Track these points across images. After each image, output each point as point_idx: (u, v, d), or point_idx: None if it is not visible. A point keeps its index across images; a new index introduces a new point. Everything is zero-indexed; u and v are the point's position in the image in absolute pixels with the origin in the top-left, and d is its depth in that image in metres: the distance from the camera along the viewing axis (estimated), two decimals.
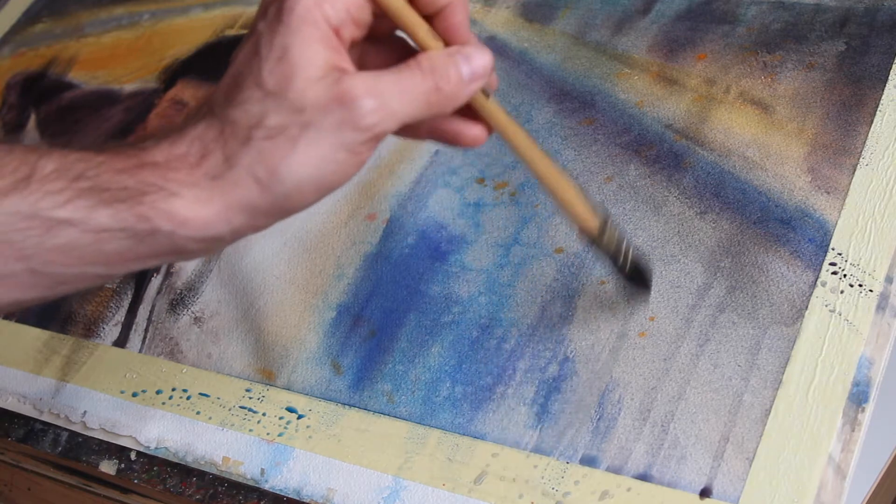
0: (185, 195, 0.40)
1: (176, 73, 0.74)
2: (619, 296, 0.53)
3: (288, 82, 0.40)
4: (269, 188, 0.41)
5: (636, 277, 0.51)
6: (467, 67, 0.43)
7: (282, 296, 0.59)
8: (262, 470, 0.53)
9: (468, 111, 0.45)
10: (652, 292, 0.52)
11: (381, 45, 0.46)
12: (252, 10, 0.76)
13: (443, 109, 0.43)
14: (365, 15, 0.43)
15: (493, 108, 0.45)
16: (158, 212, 0.40)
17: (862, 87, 0.56)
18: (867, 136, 0.54)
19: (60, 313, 0.64)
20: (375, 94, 0.41)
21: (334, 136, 0.41)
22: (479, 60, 0.44)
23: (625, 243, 0.49)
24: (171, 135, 0.42)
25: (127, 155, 0.41)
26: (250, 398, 0.56)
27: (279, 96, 0.40)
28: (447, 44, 0.44)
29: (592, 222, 0.48)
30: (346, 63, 0.42)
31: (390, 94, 0.41)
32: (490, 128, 0.46)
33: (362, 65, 0.44)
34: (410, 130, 0.45)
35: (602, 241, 0.49)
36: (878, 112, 0.55)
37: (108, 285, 0.64)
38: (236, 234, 0.42)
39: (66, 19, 0.84)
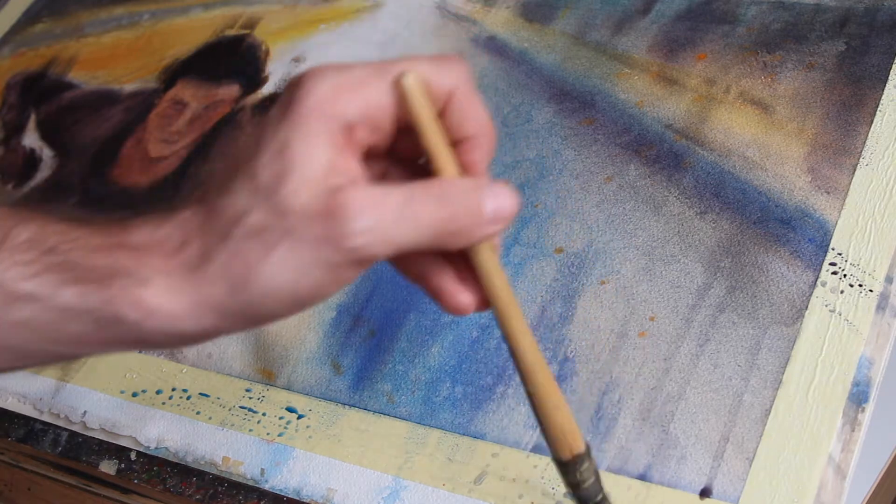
0: (156, 283, 0.37)
1: (176, 73, 0.74)
2: (619, 296, 0.53)
3: (280, 180, 0.36)
4: (239, 292, 0.37)
5: None
6: (492, 203, 0.38)
7: None
8: (262, 470, 0.53)
9: (465, 268, 0.39)
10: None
11: (407, 169, 0.40)
12: (252, 10, 0.76)
13: (450, 246, 0.38)
14: (385, 119, 0.38)
15: (493, 265, 0.39)
16: (125, 298, 0.37)
17: (862, 87, 0.56)
18: (867, 136, 0.54)
19: None
20: (372, 214, 0.36)
21: (314, 250, 0.36)
22: (508, 200, 0.38)
23: (601, 493, 0.43)
24: (159, 216, 0.39)
25: (108, 233, 0.39)
26: (250, 398, 0.56)
27: (268, 194, 0.36)
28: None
29: (577, 446, 0.41)
30: (353, 167, 0.37)
31: (391, 217, 0.36)
32: (483, 299, 0.39)
33: (378, 181, 0.39)
34: (402, 263, 0.40)
35: (576, 473, 0.42)
36: (878, 112, 0.55)
37: None
38: (206, 335, 0.38)
39: (66, 19, 0.84)
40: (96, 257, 0.38)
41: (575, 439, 0.41)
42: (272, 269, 0.36)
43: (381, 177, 0.40)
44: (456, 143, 0.39)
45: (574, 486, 0.42)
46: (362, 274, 0.38)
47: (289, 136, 0.36)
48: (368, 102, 0.37)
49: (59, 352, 0.39)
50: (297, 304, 0.37)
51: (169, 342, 0.39)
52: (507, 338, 0.40)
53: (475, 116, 0.38)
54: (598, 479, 0.42)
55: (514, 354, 0.40)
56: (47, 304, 0.38)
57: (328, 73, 0.37)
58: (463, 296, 0.39)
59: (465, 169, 0.38)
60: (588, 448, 0.41)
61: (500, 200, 0.38)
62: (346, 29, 0.72)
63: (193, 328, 0.38)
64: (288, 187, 0.36)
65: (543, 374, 0.40)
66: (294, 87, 0.37)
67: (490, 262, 0.38)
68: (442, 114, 0.38)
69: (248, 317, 0.38)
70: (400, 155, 0.40)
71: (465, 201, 0.37)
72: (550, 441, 0.41)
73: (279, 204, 0.36)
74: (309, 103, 0.36)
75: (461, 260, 0.39)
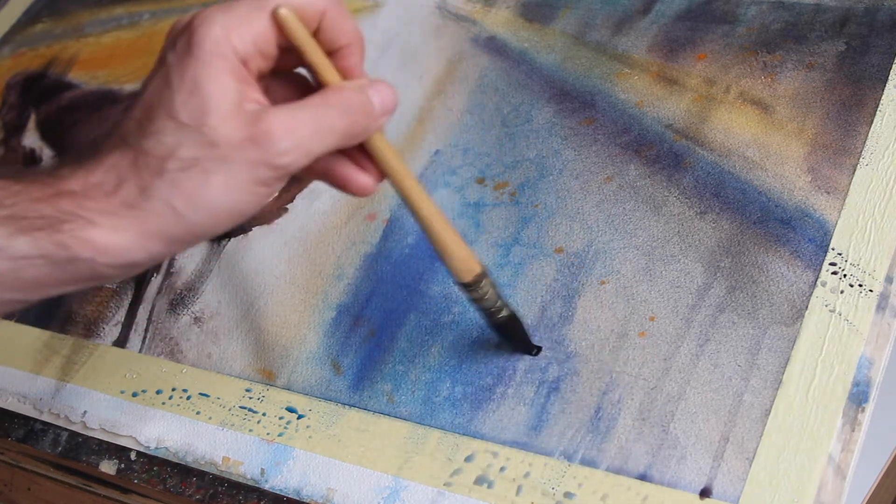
0: (102, 224, 0.41)
1: None
2: (619, 296, 0.53)
3: (201, 116, 0.41)
4: (185, 218, 0.42)
5: (508, 334, 0.52)
6: (378, 99, 0.44)
7: (282, 296, 0.59)
8: (262, 470, 0.53)
9: (358, 154, 0.46)
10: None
11: (283, 80, 0.46)
12: None
13: (354, 142, 0.45)
14: (271, 48, 0.44)
15: (384, 145, 0.46)
16: (77, 240, 0.41)
17: (862, 87, 0.56)
18: (867, 136, 0.54)
19: (60, 313, 0.64)
20: (292, 134, 0.42)
21: (248, 172, 0.42)
22: (390, 93, 0.45)
23: (499, 300, 0.50)
24: (85, 163, 0.43)
25: (43, 183, 0.42)
26: (250, 398, 0.56)
27: (193, 129, 0.41)
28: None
29: (472, 268, 0.48)
30: (257, 95, 0.43)
31: (307, 132, 0.42)
32: (379, 175, 0.46)
33: (268, 98, 0.45)
34: (306, 169, 0.45)
35: (478, 290, 0.49)
36: (878, 112, 0.55)
37: (108, 285, 0.64)
38: (153, 260, 0.43)
39: (66, 19, 0.84)
40: (41, 207, 0.42)
41: (473, 265, 0.48)
42: (214, 193, 0.42)
43: (266, 91, 0.44)
44: (332, 54, 0.45)
45: (478, 300, 0.49)
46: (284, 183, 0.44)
47: (198, 75, 0.41)
48: (255, 36, 0.43)
49: (16, 298, 0.43)
50: (236, 218, 0.43)
51: (122, 273, 0.43)
52: (403, 197, 0.47)
53: (346, 28, 0.45)
54: (496, 292, 0.50)
55: (411, 207, 0.47)
56: (3, 254, 0.41)
57: (216, 16, 0.42)
58: (363, 177, 0.46)
59: (345, 73, 0.45)
60: (484, 269, 0.49)
61: (384, 95, 0.45)
62: None
63: (143, 257, 0.42)
64: (211, 121, 0.41)
65: (439, 219, 0.47)
66: (187, 33, 0.42)
67: (381, 143, 0.45)
68: (317, 31, 0.44)
69: (193, 236, 0.43)
70: (277, 69, 0.45)
71: (360, 104, 0.44)
72: (454, 269, 0.48)
73: (207, 136, 0.41)
74: (207, 45, 0.41)
75: (353, 150, 0.46)
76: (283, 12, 0.43)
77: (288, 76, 0.47)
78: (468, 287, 0.49)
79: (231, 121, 0.41)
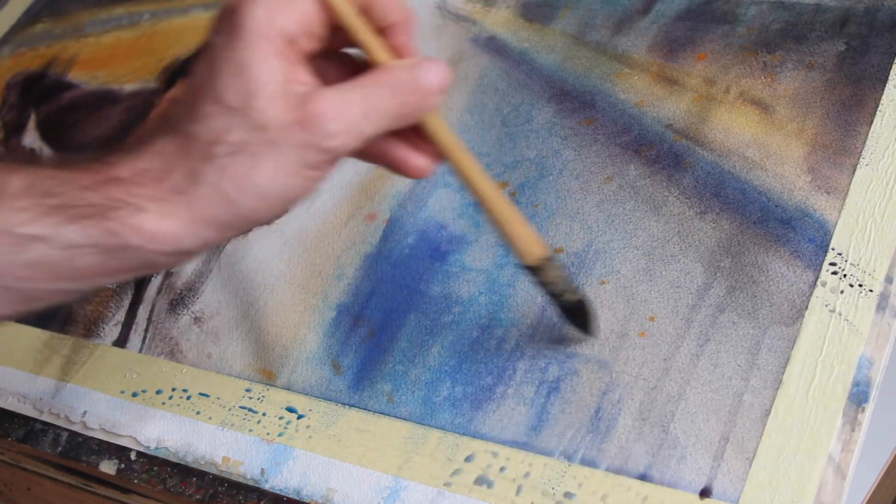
0: (151, 210, 0.41)
1: (176, 73, 0.74)
2: (619, 296, 0.53)
3: (248, 99, 0.40)
4: (235, 203, 0.41)
5: (576, 317, 0.51)
6: (431, 78, 0.43)
7: (282, 296, 0.59)
8: (262, 470, 0.53)
9: (415, 136, 0.45)
10: (593, 327, 0.52)
11: (337, 60, 0.45)
12: None
13: (407, 123, 0.43)
14: (319, 27, 0.43)
15: (441, 126, 0.44)
16: (127, 227, 0.40)
17: (862, 87, 0.56)
18: (867, 136, 0.54)
19: (60, 313, 0.64)
20: (342, 116, 0.41)
21: (298, 155, 0.41)
22: (442, 71, 0.43)
23: (569, 281, 0.49)
24: (133, 149, 0.42)
25: (93, 171, 0.42)
26: (250, 398, 0.56)
27: (240, 113, 0.40)
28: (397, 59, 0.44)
29: (539, 249, 0.47)
30: (305, 76, 0.42)
31: (357, 114, 0.41)
32: (436, 157, 0.45)
33: (321, 80, 0.44)
34: (361, 152, 0.44)
35: (545, 274, 0.48)
36: (878, 112, 0.55)
37: (108, 286, 0.64)
38: (205, 247, 0.42)
39: (66, 19, 0.84)
40: (89, 195, 0.41)
41: (541, 246, 0.47)
42: (264, 176, 0.41)
43: (319, 73, 0.43)
44: (383, 31, 0.44)
45: (546, 283, 0.48)
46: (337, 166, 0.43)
47: (243, 57, 0.40)
48: (302, 15, 0.41)
49: (69, 288, 0.43)
50: (287, 203, 0.42)
51: (174, 261, 0.43)
52: (465, 180, 0.46)
53: (395, 5, 0.43)
54: (564, 276, 0.48)
55: (474, 191, 0.46)
56: (54, 243, 0.41)
57: None
58: (420, 159, 0.45)
59: (396, 52, 0.44)
60: (550, 252, 0.48)
61: (437, 74, 0.43)
62: None
63: (194, 244, 0.41)
64: (259, 103, 0.40)
65: (502, 201, 0.46)
66: (231, 14, 0.41)
67: (438, 124, 0.44)
68: (365, 9, 0.43)
69: (245, 221, 0.42)
70: (329, 50, 0.44)
71: (412, 83, 0.42)
72: (519, 252, 0.47)
73: (255, 119, 0.40)
74: (251, 25, 0.40)
75: (409, 131, 0.44)
76: None
77: (342, 57, 0.45)
78: (532, 271, 0.48)
79: (278, 103, 0.40)
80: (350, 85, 0.42)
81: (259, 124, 0.40)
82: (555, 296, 0.49)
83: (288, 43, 0.41)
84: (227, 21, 0.41)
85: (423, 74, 0.43)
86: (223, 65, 0.41)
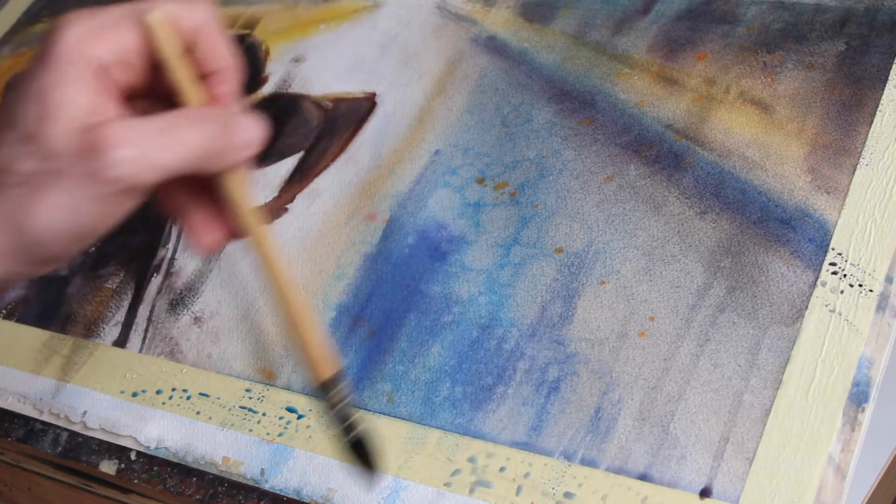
0: None
1: None
2: (619, 296, 0.53)
3: (41, 125, 0.37)
4: (19, 237, 0.38)
5: (358, 451, 0.45)
6: (245, 128, 0.40)
7: None
8: (262, 470, 0.53)
9: (219, 209, 0.42)
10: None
11: (169, 107, 0.42)
12: (252, 10, 0.76)
13: (208, 169, 0.40)
14: (138, 59, 0.40)
15: (247, 201, 0.41)
16: None
17: (862, 87, 0.56)
18: (867, 136, 0.54)
19: (60, 313, 0.64)
20: (132, 144, 0.37)
21: (85, 185, 0.37)
22: (258, 127, 0.41)
23: (351, 412, 0.44)
24: None
25: None
26: (250, 398, 0.56)
27: (32, 140, 0.38)
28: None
29: (326, 369, 0.43)
30: (112, 107, 0.39)
31: (153, 143, 0.38)
32: (232, 234, 0.42)
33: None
34: (165, 196, 0.42)
35: (329, 394, 0.44)
36: (878, 112, 0.55)
37: (107, 285, 0.64)
38: (9, 279, 0.40)
39: None
40: None
41: (331, 360, 0.43)
42: (47, 210, 0.38)
43: (143, 113, 0.40)
44: (205, 77, 0.41)
45: (335, 404, 0.44)
46: (138, 203, 0.39)
47: (44, 82, 0.38)
48: (120, 44, 0.39)
49: None
50: (78, 240, 0.39)
51: None
52: (261, 265, 0.42)
53: (220, 52, 0.41)
54: (352, 400, 0.44)
55: (268, 281, 0.42)
56: None
57: (79, 19, 0.39)
58: (209, 235, 0.42)
59: (216, 101, 0.41)
60: (341, 369, 0.44)
61: (251, 128, 0.40)
62: (346, 29, 0.72)
63: None
64: (50, 130, 0.37)
65: (298, 300, 0.42)
66: (48, 36, 0.39)
67: (240, 191, 0.41)
68: (190, 50, 0.40)
69: (35, 258, 0.39)
70: (160, 94, 0.41)
71: (217, 118, 0.40)
72: (310, 363, 0.43)
73: (43, 147, 0.37)
74: (60, 49, 0.38)
75: (216, 202, 0.41)
76: (151, 19, 0.39)
77: (175, 103, 0.42)
78: (326, 386, 0.44)
79: (69, 130, 0.37)
80: (150, 116, 0.39)
81: (48, 152, 0.37)
82: (342, 423, 0.44)
83: (99, 71, 0.39)
84: (42, 44, 0.39)
85: (236, 121, 0.40)
86: (27, 89, 0.38)
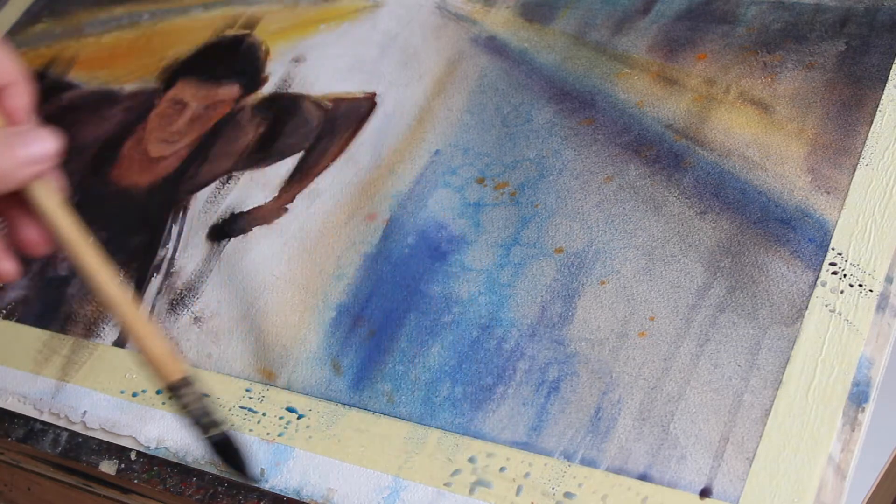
0: None
1: (176, 73, 0.74)
2: (619, 296, 0.53)
3: None
4: None
5: (223, 451, 0.46)
6: (30, 146, 0.40)
7: (282, 296, 0.59)
8: (262, 470, 0.53)
9: (32, 226, 0.41)
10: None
11: None
12: (252, 10, 0.76)
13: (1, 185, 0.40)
14: None
15: (58, 212, 0.41)
16: None
17: (862, 87, 0.56)
18: (867, 136, 0.54)
19: (60, 313, 0.64)
20: None
21: None
22: (46, 144, 0.40)
23: (209, 412, 0.45)
24: None
25: None
26: (250, 398, 0.56)
27: None
28: (7, 125, 0.41)
29: (172, 373, 0.43)
30: None
31: None
32: (29, 258, 0.41)
33: None
34: None
35: (180, 396, 0.44)
36: (878, 112, 0.55)
37: None
38: None
39: (66, 19, 0.84)
40: None
41: (176, 363, 0.43)
42: None
43: None
44: None
45: (185, 406, 0.44)
46: None
47: None
48: None
49: None
50: None
51: None
52: (84, 277, 0.41)
53: (5, 66, 0.41)
54: (203, 399, 0.44)
55: (94, 292, 0.41)
56: None
57: None
58: (7, 264, 0.42)
59: (7, 116, 0.41)
60: (188, 374, 0.43)
61: (36, 144, 0.40)
62: (346, 29, 0.72)
63: None
64: None
65: (129, 307, 0.41)
66: None
67: (49, 202, 0.40)
68: None
69: None
70: None
71: (3, 145, 0.39)
72: (154, 368, 0.42)
73: None
74: None
75: (24, 220, 0.41)
76: None
77: None
78: (175, 390, 0.44)
79: None
80: None
81: None
82: (198, 425, 0.45)
83: None
84: None
85: (18, 140, 0.40)
86: None
